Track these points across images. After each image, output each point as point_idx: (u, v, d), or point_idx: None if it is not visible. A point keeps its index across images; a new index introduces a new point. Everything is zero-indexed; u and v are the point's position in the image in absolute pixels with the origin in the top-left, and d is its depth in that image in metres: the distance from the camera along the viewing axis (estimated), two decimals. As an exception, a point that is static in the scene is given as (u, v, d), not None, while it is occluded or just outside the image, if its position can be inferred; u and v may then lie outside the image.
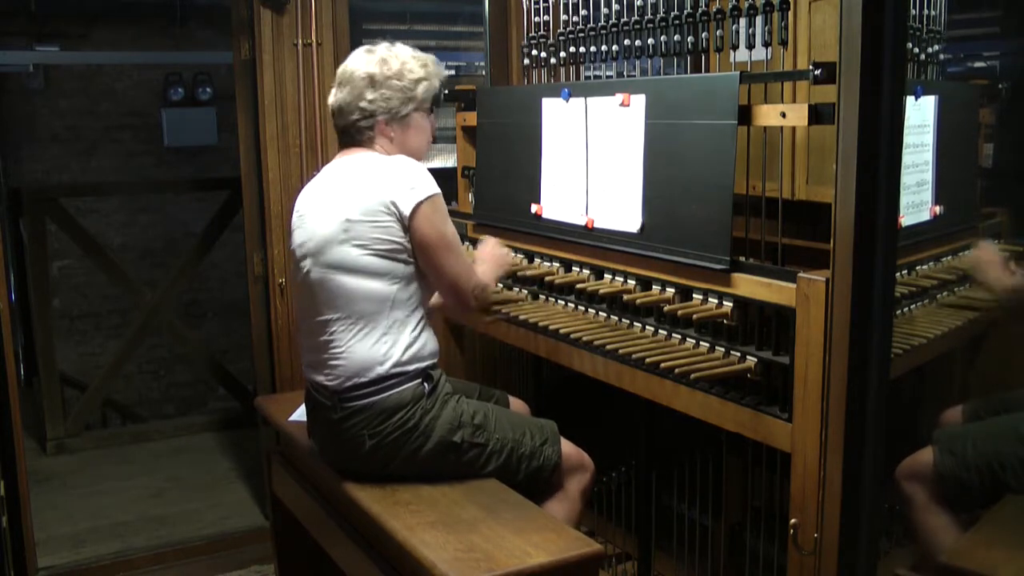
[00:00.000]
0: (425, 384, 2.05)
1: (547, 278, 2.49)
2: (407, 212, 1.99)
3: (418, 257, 2.04)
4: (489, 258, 2.38)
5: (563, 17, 2.59)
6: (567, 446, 2.20)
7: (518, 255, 2.67)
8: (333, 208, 2.04)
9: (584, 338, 2.27)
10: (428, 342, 2.10)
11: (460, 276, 2.09)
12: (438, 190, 2.05)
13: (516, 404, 2.44)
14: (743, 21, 2.12)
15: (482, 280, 2.18)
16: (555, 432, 2.19)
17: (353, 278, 2.01)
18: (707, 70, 2.35)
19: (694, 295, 2.09)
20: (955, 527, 1.96)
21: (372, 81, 2.09)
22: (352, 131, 2.13)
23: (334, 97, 2.15)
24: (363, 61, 2.12)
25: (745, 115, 2.00)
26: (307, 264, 2.08)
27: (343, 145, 2.18)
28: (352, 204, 2.01)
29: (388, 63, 2.11)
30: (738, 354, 1.98)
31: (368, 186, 2.01)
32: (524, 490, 2.08)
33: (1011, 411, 2.07)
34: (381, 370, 2.01)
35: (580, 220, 2.42)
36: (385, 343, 2.02)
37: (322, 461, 2.18)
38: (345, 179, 2.07)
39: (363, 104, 2.09)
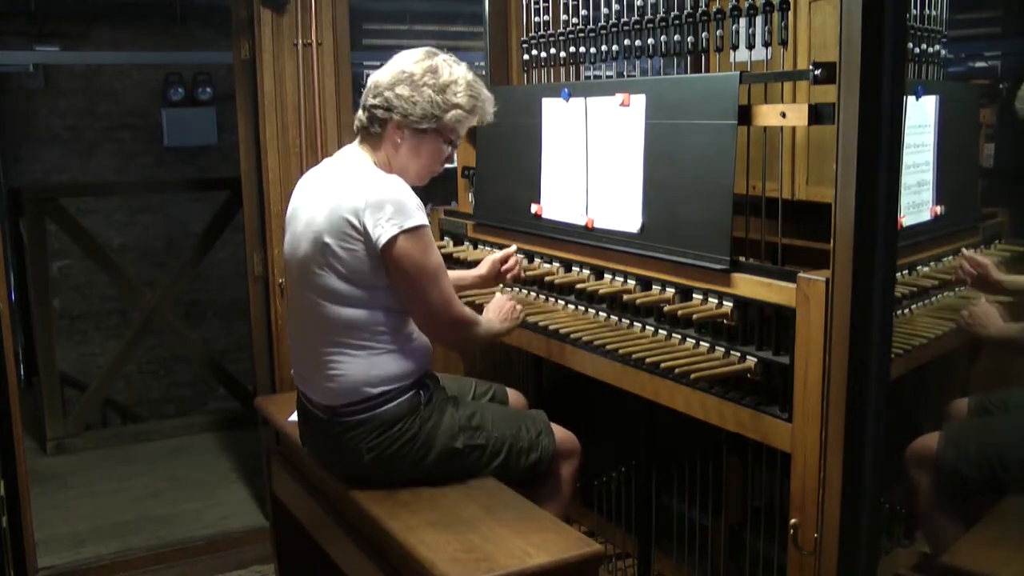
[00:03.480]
0: (421, 393, 2.04)
1: (547, 278, 2.49)
2: (381, 243, 1.90)
3: (393, 284, 1.96)
4: (494, 309, 2.26)
5: (563, 17, 2.58)
6: (558, 431, 2.22)
7: (518, 255, 2.67)
8: (314, 225, 1.97)
9: (584, 338, 2.27)
10: (421, 351, 2.07)
11: (433, 309, 1.97)
12: (419, 221, 1.92)
13: (514, 396, 2.45)
14: (743, 21, 2.12)
15: (465, 317, 2.04)
16: (546, 422, 2.20)
17: (337, 307, 1.97)
18: (707, 70, 2.35)
19: (694, 295, 2.09)
20: (955, 516, 1.97)
21: (411, 80, 1.99)
22: (369, 117, 2.03)
23: (377, 73, 2.04)
24: (416, 59, 2.02)
25: (745, 115, 2.00)
26: (293, 278, 2.07)
27: (358, 133, 2.08)
28: (329, 226, 1.93)
29: (438, 72, 2.01)
30: (738, 354, 1.98)
31: (347, 209, 1.91)
32: (524, 482, 2.09)
33: (1018, 408, 2.08)
34: (374, 391, 2.00)
35: (580, 220, 2.42)
36: (376, 366, 1.99)
37: (323, 469, 2.17)
38: (332, 191, 1.97)
39: (388, 94, 1.99)
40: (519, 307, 2.32)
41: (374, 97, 2.01)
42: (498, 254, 2.40)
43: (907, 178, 2.12)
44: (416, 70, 2.00)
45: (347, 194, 1.93)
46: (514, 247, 2.45)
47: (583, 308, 2.43)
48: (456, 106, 2.01)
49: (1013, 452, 1.92)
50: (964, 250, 2.19)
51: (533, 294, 2.60)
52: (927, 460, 2.00)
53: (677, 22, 2.23)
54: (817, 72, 1.78)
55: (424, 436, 2.02)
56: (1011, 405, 2.09)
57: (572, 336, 2.31)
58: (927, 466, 2.00)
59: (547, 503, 2.11)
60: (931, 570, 1.99)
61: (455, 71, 2.03)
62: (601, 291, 2.30)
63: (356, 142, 2.09)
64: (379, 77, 2.03)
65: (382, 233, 1.89)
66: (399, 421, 2.00)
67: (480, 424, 2.09)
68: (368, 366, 1.99)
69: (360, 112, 2.07)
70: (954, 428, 2.03)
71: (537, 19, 2.69)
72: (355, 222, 1.91)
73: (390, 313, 2.00)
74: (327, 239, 1.94)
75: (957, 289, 2.28)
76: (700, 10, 2.17)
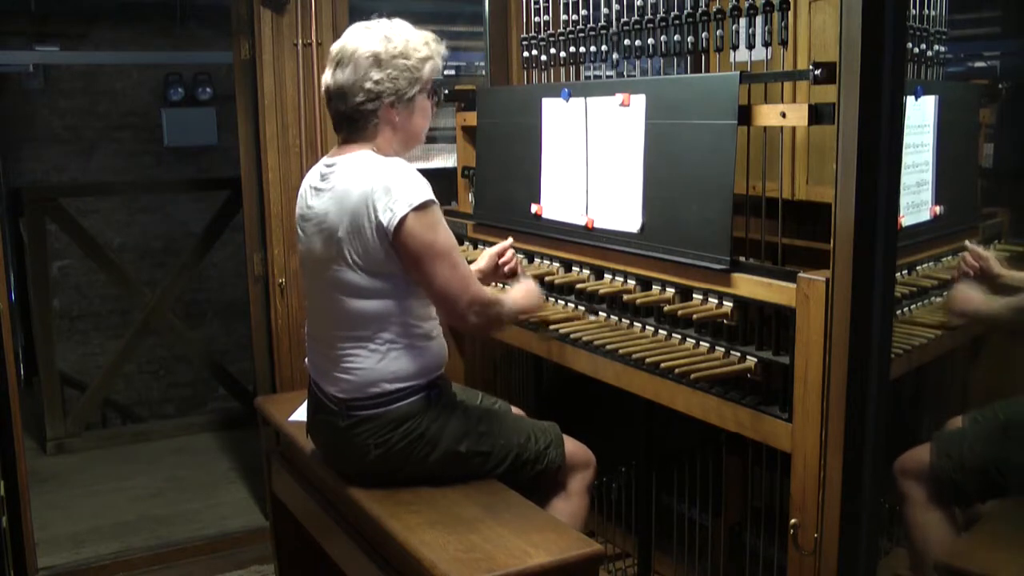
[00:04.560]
0: (433, 393, 2.04)
1: (547, 278, 2.49)
2: (391, 228, 1.88)
3: (408, 268, 1.95)
4: (520, 290, 2.22)
5: (563, 17, 2.58)
6: (571, 444, 2.20)
7: (518, 255, 2.67)
8: (326, 222, 1.97)
9: (584, 338, 2.27)
10: (438, 351, 2.07)
11: (451, 288, 1.93)
12: (428, 197, 1.91)
13: (516, 413, 2.43)
14: (743, 21, 2.12)
15: (485, 296, 2.00)
16: (559, 435, 2.18)
17: (357, 300, 1.97)
18: (707, 70, 2.35)
19: (694, 295, 2.09)
20: (948, 527, 1.97)
21: (377, 60, 1.95)
22: (355, 116, 1.99)
23: (332, 78, 1.99)
24: (364, 38, 1.97)
25: (745, 115, 2.00)
26: (310, 276, 2.06)
27: (342, 137, 2.05)
28: (342, 221, 1.93)
29: (392, 40, 1.97)
30: (738, 354, 1.98)
31: (357, 200, 1.91)
32: (529, 490, 2.08)
33: (1009, 414, 2.07)
34: (390, 387, 1.99)
35: (580, 220, 2.42)
36: (394, 360, 1.99)
37: (325, 466, 2.17)
38: (339, 187, 1.96)
39: (368, 85, 1.95)
40: (540, 291, 2.30)
41: (353, 96, 1.96)
42: (495, 248, 2.40)
43: (907, 178, 2.12)
44: (377, 49, 1.96)
45: (354, 184, 1.93)
46: (510, 240, 2.44)
47: (583, 308, 2.43)
48: (425, 59, 2.01)
49: (1011, 457, 1.92)
50: (968, 242, 2.18)
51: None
52: (919, 472, 1.99)
53: (677, 22, 2.23)
54: (817, 72, 1.78)
55: (429, 436, 2.01)
56: (1005, 411, 2.09)
57: (572, 336, 2.31)
58: (919, 478, 1.99)
59: (561, 516, 2.09)
60: (929, 570, 1.98)
61: (400, 30, 2.01)
62: (601, 291, 2.30)
63: (345, 143, 2.05)
64: (342, 77, 1.97)
65: (392, 216, 1.88)
66: (409, 419, 2.00)
67: (487, 430, 2.08)
68: (386, 361, 1.99)
69: (337, 119, 2.04)
70: (946, 438, 2.02)
71: (537, 19, 2.69)
72: (365, 210, 1.91)
73: (409, 305, 1.99)
74: (340, 233, 1.94)
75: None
76: (700, 10, 2.17)
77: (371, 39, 1.97)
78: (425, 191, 1.92)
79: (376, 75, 1.95)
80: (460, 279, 1.95)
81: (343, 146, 2.05)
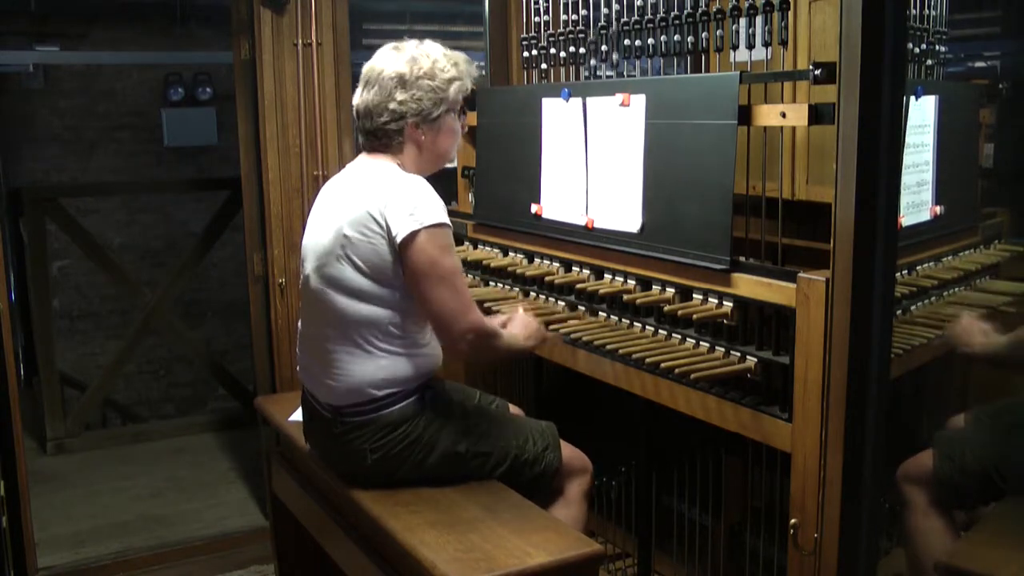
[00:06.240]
0: (426, 396, 2.04)
1: (547, 278, 2.49)
2: (400, 238, 1.90)
3: (408, 284, 1.95)
4: (519, 325, 2.18)
5: (563, 17, 2.58)
6: (567, 448, 2.19)
7: (518, 255, 2.68)
8: (336, 219, 1.99)
9: (584, 338, 2.27)
10: (431, 356, 2.06)
11: (449, 312, 1.92)
12: (443, 219, 1.93)
13: (514, 411, 2.43)
14: (743, 21, 2.12)
15: (484, 326, 1.99)
16: (555, 436, 2.18)
17: (350, 300, 1.97)
18: (707, 70, 2.35)
19: (694, 295, 2.09)
20: (950, 532, 1.96)
21: (402, 81, 1.99)
22: (379, 134, 2.03)
23: (360, 98, 2.04)
24: (391, 60, 2.02)
25: (745, 115, 2.00)
26: (308, 269, 2.06)
27: (368, 148, 2.08)
28: (351, 219, 1.95)
29: (418, 62, 2.00)
30: (738, 354, 1.98)
31: (370, 204, 1.93)
32: (526, 495, 2.08)
33: (1009, 415, 2.07)
34: (378, 393, 1.99)
35: (580, 220, 2.42)
36: (383, 368, 1.98)
37: (325, 466, 2.17)
38: (355, 189, 2.00)
39: (392, 105, 1.99)
40: (543, 328, 2.27)
41: (378, 116, 2.00)
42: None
43: (907, 178, 2.12)
44: (402, 70, 1.99)
45: (371, 192, 1.96)
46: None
47: (583, 308, 2.43)
48: (451, 80, 2.03)
49: (1011, 458, 1.92)
50: (966, 314, 2.14)
51: (533, 294, 2.60)
52: (921, 477, 1.99)
53: (677, 22, 2.23)
54: (817, 72, 1.78)
55: (427, 439, 2.01)
56: (1006, 412, 2.09)
57: (572, 336, 2.31)
58: (923, 483, 1.99)
59: None
60: (927, 571, 1.98)
61: (428, 51, 2.04)
62: (601, 291, 2.30)
63: (371, 153, 2.07)
64: (368, 97, 2.01)
65: (402, 229, 1.90)
66: (404, 423, 2.00)
67: (486, 431, 2.08)
68: (375, 368, 1.98)
69: (364, 137, 2.07)
70: (947, 441, 2.01)
71: (537, 19, 2.69)
72: (377, 217, 1.93)
73: (405, 316, 1.99)
74: (348, 231, 1.95)
75: (956, 290, 2.28)
76: (700, 10, 2.17)
77: (398, 60, 2.01)
78: (441, 213, 1.94)
79: (400, 95, 1.99)
80: (460, 304, 1.94)
81: (369, 154, 2.08)
